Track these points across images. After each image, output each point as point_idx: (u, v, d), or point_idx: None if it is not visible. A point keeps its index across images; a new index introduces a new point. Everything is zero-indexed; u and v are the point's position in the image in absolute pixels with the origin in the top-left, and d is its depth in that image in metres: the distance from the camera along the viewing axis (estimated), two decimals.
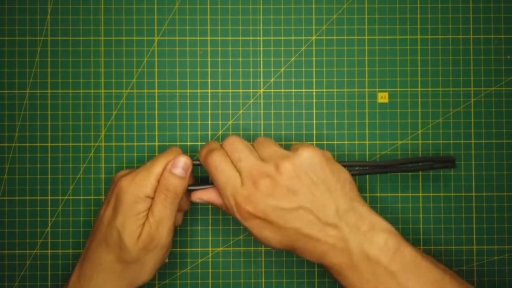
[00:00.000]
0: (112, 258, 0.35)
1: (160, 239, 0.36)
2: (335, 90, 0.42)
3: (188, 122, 0.42)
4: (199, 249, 0.42)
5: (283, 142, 0.42)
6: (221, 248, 0.42)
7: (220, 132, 0.42)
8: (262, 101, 0.42)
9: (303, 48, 0.43)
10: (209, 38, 0.42)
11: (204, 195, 0.37)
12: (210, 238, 0.42)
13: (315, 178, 0.34)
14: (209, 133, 0.42)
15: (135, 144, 0.42)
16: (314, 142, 0.42)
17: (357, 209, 0.34)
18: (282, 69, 0.42)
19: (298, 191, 0.34)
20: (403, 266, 0.32)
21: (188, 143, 0.42)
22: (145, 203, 0.35)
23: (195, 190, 0.38)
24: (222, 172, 0.35)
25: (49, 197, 0.42)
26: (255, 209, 0.34)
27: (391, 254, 0.32)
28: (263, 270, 0.42)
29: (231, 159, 0.35)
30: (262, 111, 0.42)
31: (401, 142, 0.42)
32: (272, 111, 0.42)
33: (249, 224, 0.34)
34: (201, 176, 0.42)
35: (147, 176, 0.35)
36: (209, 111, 0.42)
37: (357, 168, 0.39)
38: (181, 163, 0.36)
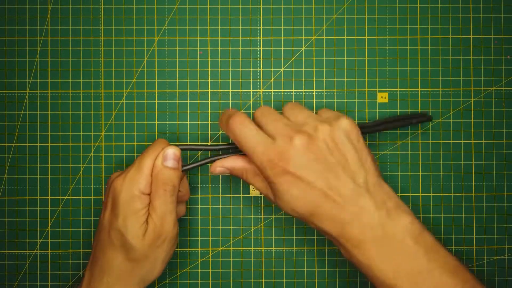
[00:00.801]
0: (120, 259, 0.35)
1: (167, 234, 0.36)
2: (335, 90, 0.42)
3: (188, 122, 0.42)
4: (199, 249, 0.42)
5: None
6: (221, 248, 0.42)
7: (220, 132, 0.42)
8: (262, 101, 0.42)
9: (303, 48, 0.43)
10: (209, 38, 0.42)
11: (226, 162, 0.37)
12: (210, 238, 0.42)
13: (350, 145, 0.34)
14: (209, 133, 0.42)
15: (135, 144, 0.42)
16: None
17: (383, 187, 0.34)
18: (282, 69, 0.42)
19: (332, 153, 0.33)
20: (426, 249, 0.32)
21: (188, 143, 0.42)
22: (141, 201, 0.35)
23: (190, 168, 0.38)
24: (250, 134, 0.35)
25: (49, 197, 0.42)
26: (288, 163, 0.33)
27: (415, 236, 0.33)
28: (263, 270, 0.42)
29: (265, 121, 0.35)
30: None
31: (401, 142, 0.42)
32: None
33: (280, 180, 0.34)
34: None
35: (138, 171, 0.35)
36: (209, 111, 0.42)
37: None
38: (171, 155, 0.36)
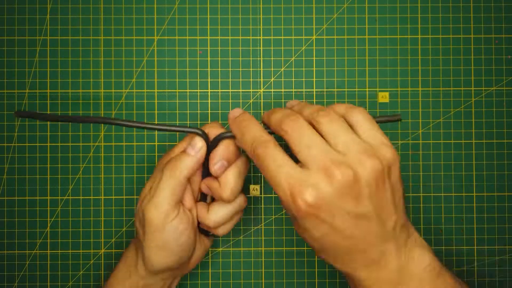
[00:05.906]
0: None
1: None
2: (335, 90, 0.42)
3: (188, 122, 0.42)
4: None
5: (284, 142, 0.42)
6: (221, 248, 0.42)
7: None
8: (262, 101, 0.42)
9: (303, 47, 0.42)
10: (209, 37, 0.42)
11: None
12: None
13: (389, 187, 0.30)
14: None
15: (134, 144, 0.42)
16: None
17: (408, 226, 0.31)
18: (282, 69, 0.42)
19: (371, 199, 0.29)
20: None
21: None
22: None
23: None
24: (279, 169, 0.30)
25: (48, 197, 0.42)
26: (320, 207, 0.28)
27: (435, 276, 0.30)
28: (263, 270, 0.42)
29: (297, 142, 0.30)
30: (262, 111, 0.42)
31: (402, 142, 0.42)
32: None
33: (304, 220, 0.29)
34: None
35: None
36: (209, 111, 0.42)
37: None
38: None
